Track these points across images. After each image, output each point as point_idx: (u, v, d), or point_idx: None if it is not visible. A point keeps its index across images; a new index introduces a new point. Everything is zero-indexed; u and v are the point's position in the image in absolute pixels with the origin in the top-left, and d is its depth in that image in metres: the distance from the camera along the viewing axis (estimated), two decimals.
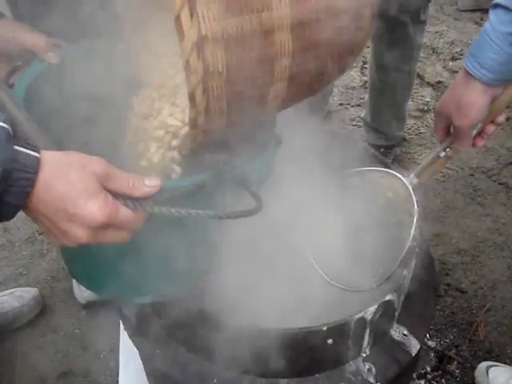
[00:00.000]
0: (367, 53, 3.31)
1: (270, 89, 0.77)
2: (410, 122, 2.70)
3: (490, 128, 1.06)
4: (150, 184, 0.70)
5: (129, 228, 0.70)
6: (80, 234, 0.66)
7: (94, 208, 0.64)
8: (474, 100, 1.00)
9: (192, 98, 0.70)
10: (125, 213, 0.68)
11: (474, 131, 1.04)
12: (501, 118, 1.06)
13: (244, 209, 0.78)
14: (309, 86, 0.84)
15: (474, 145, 1.07)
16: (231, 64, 0.71)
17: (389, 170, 1.13)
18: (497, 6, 0.95)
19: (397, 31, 2.24)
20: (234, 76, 0.72)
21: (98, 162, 0.66)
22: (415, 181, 1.09)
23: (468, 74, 0.99)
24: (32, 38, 0.95)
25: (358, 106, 2.95)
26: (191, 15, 0.67)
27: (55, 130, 0.83)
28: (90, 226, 0.65)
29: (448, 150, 1.08)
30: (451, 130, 1.08)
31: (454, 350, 1.88)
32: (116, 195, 0.68)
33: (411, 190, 1.08)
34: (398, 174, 1.11)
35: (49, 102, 0.89)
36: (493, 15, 0.96)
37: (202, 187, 0.75)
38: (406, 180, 1.09)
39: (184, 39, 0.67)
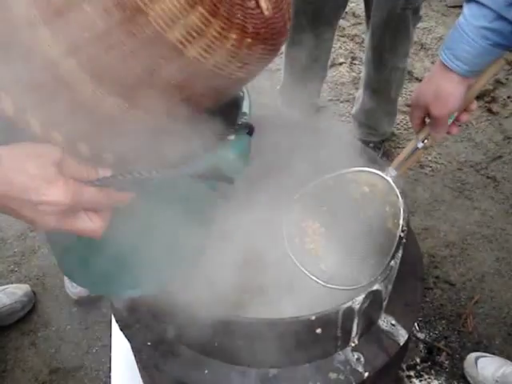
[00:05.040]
0: (356, 49, 3.34)
1: (65, 62, 0.68)
2: (398, 116, 2.72)
3: (465, 116, 1.10)
4: (102, 173, 0.71)
5: (98, 208, 0.71)
6: (48, 220, 0.67)
7: (57, 192, 0.65)
8: (451, 90, 1.03)
9: None
10: (89, 191, 0.68)
11: (450, 120, 1.08)
12: (473, 106, 1.09)
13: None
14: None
15: (448, 132, 1.11)
16: None
17: (363, 168, 1.14)
18: (470, 0, 0.98)
19: (399, 27, 2.25)
20: None
21: (53, 150, 0.67)
22: (394, 173, 1.11)
23: (444, 65, 1.02)
24: None
25: (347, 101, 2.97)
26: None
27: None
28: (56, 211, 0.66)
29: (425, 140, 1.11)
30: (426, 120, 1.11)
31: (443, 342, 1.90)
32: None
33: (391, 182, 1.10)
34: (373, 170, 1.12)
35: None
36: (466, 9, 0.98)
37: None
38: (384, 173, 1.11)
39: None
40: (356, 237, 1.15)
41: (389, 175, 1.11)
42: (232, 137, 0.84)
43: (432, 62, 3.22)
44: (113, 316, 1.17)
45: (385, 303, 1.11)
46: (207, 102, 0.79)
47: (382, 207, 1.12)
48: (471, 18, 0.97)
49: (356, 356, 1.07)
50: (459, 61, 1.00)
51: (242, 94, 0.94)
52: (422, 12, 2.27)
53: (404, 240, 1.09)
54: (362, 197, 1.15)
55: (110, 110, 0.72)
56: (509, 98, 2.99)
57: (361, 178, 1.14)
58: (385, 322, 1.12)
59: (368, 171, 1.13)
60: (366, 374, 1.04)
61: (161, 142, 0.86)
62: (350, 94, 3.00)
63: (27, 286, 2.06)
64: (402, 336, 1.11)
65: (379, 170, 1.12)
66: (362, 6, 2.40)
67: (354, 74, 3.14)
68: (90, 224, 0.71)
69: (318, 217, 1.22)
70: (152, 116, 0.76)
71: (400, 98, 2.64)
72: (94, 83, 0.69)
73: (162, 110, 0.75)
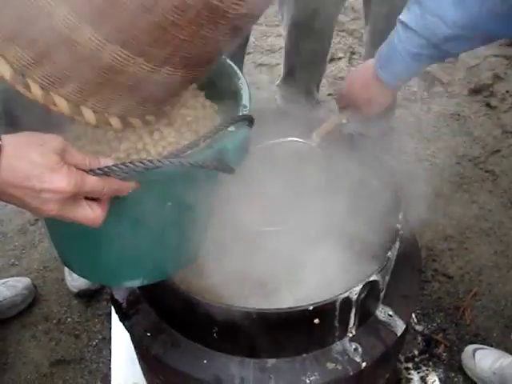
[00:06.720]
0: (355, 44, 3.34)
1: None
2: (397, 111, 2.72)
3: None
4: (104, 162, 0.72)
5: (99, 196, 0.72)
6: (51, 208, 0.68)
7: (60, 180, 0.66)
8: (384, 100, 1.26)
9: None
10: (91, 180, 0.69)
11: None
12: None
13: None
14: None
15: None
16: None
17: (292, 138, 1.24)
18: (407, 27, 1.07)
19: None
20: None
21: (56, 139, 0.68)
22: (318, 140, 1.27)
23: (380, 80, 1.18)
24: None
25: None
26: None
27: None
28: (59, 199, 0.67)
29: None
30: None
31: (441, 334, 1.91)
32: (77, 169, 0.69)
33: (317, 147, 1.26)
34: (296, 139, 1.24)
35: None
36: (403, 33, 1.09)
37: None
38: (309, 141, 1.26)
39: None
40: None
41: (313, 142, 1.26)
42: (232, 128, 0.85)
43: None
44: (113, 308, 1.18)
45: (382, 294, 1.12)
46: (213, 48, 0.77)
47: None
48: (408, 44, 1.08)
49: (354, 346, 1.08)
50: (395, 78, 1.17)
51: (242, 86, 0.95)
52: None
53: (401, 232, 1.10)
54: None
55: (109, 60, 0.71)
56: (507, 92, 2.99)
57: (288, 147, 1.26)
58: (382, 312, 1.13)
59: (295, 140, 1.25)
60: (364, 364, 1.05)
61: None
62: None
63: (28, 279, 2.07)
64: (400, 327, 1.12)
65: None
66: (361, 0, 2.40)
67: (352, 68, 3.14)
68: (90, 212, 0.72)
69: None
70: (155, 63, 0.73)
71: (398, 93, 2.64)
72: (90, 29, 0.67)
73: (164, 57, 0.73)
